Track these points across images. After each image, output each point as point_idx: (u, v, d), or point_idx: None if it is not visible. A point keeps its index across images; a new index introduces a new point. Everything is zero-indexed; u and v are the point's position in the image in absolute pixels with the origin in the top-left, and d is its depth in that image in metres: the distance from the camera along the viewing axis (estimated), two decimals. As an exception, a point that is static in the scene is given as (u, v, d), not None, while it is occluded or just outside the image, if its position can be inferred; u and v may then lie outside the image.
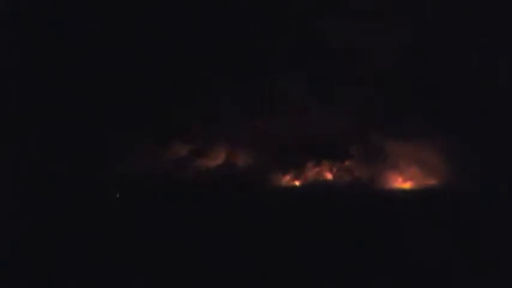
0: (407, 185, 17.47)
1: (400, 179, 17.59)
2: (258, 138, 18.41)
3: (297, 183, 18.09)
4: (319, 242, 12.60)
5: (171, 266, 11.64)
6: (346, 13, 18.22)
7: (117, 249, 12.50)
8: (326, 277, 11.04)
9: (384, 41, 17.77)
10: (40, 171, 17.06)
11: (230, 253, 12.13)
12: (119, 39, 18.76)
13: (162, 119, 18.94)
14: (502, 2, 17.21)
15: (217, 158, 18.92)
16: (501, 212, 13.63)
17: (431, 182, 17.27)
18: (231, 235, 13.13)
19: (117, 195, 16.83)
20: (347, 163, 18.16)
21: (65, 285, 11.10)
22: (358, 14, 18.15)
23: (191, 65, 18.90)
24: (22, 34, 18.39)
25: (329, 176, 18.19)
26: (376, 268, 11.33)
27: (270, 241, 12.71)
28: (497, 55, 17.24)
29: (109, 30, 18.62)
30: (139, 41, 18.76)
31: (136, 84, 18.72)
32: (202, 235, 13.16)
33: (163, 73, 18.87)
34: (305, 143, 18.25)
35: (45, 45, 18.62)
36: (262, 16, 18.64)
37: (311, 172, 18.16)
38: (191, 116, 18.88)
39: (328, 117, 17.93)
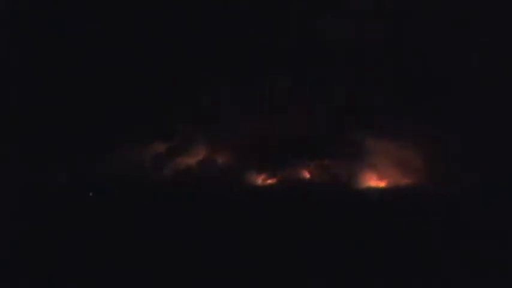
0: (382, 184, 17.51)
1: (375, 177, 17.64)
2: (236, 137, 18.44)
3: (275, 181, 18.09)
4: (297, 240, 12.65)
5: (157, 265, 11.71)
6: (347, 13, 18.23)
7: (102, 248, 12.54)
8: (306, 276, 11.11)
9: (379, 40, 17.83)
10: (33, 170, 17.09)
11: (210, 251, 12.18)
12: (119, 39, 18.75)
13: (144, 118, 18.95)
14: (502, 2, 17.19)
15: (196, 156, 18.95)
16: (478, 213, 13.68)
17: (406, 181, 17.32)
18: (211, 234, 13.17)
19: (90, 194, 16.87)
20: (325, 161, 18.16)
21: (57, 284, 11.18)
22: (358, 14, 18.16)
23: (175, 65, 18.92)
24: (22, 34, 18.40)
25: (307, 174, 18.22)
26: (354, 266, 11.41)
27: (249, 240, 12.75)
28: (496, 55, 17.23)
29: (109, 30, 18.62)
30: (137, 41, 18.77)
31: (130, 84, 18.73)
32: (183, 234, 13.19)
33: (147, 73, 18.89)
34: (284, 141, 18.26)
35: (45, 45, 18.62)
36: (252, 15, 18.63)
37: (289, 170, 18.17)
38: (172, 114, 18.90)
39: (307, 116, 17.99)
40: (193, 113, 18.97)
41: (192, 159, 18.96)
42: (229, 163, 18.67)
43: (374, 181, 17.61)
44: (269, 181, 18.16)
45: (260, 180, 18.19)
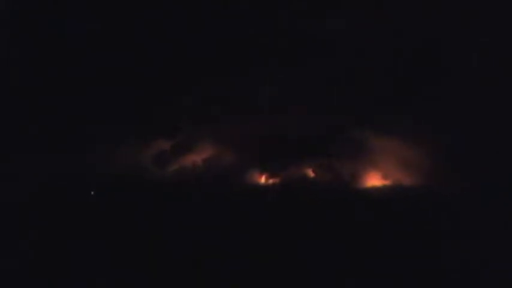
0: (386, 182, 17.51)
1: (379, 176, 17.63)
2: (240, 136, 18.47)
3: (279, 180, 18.09)
4: (299, 240, 12.65)
5: (157, 265, 11.72)
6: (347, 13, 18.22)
7: (103, 248, 12.57)
8: (307, 275, 11.11)
9: (377, 39, 17.84)
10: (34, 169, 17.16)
11: (212, 251, 12.19)
12: (119, 39, 18.78)
13: (148, 117, 18.99)
14: (502, 2, 17.16)
15: (198, 156, 18.97)
16: (479, 213, 13.68)
17: (410, 180, 17.31)
18: (212, 234, 13.18)
19: (92, 193, 16.90)
20: (328, 160, 18.13)
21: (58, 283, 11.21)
22: (358, 14, 18.15)
23: (178, 64, 18.95)
24: (22, 34, 18.45)
25: (310, 173, 18.20)
26: (358, 265, 11.42)
27: (251, 239, 12.76)
28: (497, 55, 17.20)
29: (109, 30, 18.66)
30: (137, 41, 18.81)
31: (129, 83, 18.78)
32: (184, 234, 13.21)
33: (151, 72, 18.93)
34: (287, 140, 18.28)
35: (45, 45, 18.67)
36: (250, 16, 18.64)
37: (292, 170, 18.17)
38: (175, 113, 18.94)
39: (311, 115, 18.00)
40: (195, 112, 19.00)
41: (193, 158, 18.99)
42: (232, 162, 18.68)
43: (378, 180, 17.62)
44: (271, 180, 18.17)
45: (263, 179, 18.21)
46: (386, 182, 17.50)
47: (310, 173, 18.09)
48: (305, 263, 11.67)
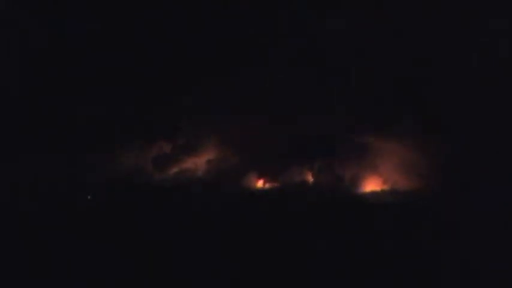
0: (385, 187, 17.48)
1: (379, 181, 17.60)
2: (239, 137, 18.45)
3: (276, 185, 18.05)
4: (300, 240, 12.67)
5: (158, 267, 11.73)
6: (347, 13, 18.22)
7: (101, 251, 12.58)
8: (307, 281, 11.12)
9: (380, 41, 17.84)
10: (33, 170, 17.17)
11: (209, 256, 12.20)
12: (119, 39, 18.79)
13: (148, 117, 18.99)
14: (502, 2, 17.16)
15: (200, 156, 18.96)
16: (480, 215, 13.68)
17: (408, 184, 17.29)
18: (213, 234, 13.20)
19: (89, 197, 16.88)
20: (328, 160, 18.08)
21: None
22: (358, 14, 18.16)
23: (178, 64, 18.96)
24: (22, 34, 18.47)
25: (310, 176, 18.16)
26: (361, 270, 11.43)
27: (252, 239, 12.77)
28: (497, 55, 17.19)
29: (109, 30, 18.67)
30: (137, 41, 18.83)
31: (129, 83, 18.79)
32: (181, 238, 13.21)
33: (151, 72, 18.94)
34: (287, 141, 18.26)
35: (45, 45, 18.69)
36: (254, 15, 18.65)
37: (292, 171, 18.12)
38: (175, 114, 18.94)
39: (312, 115, 18.00)
40: (195, 112, 19.00)
41: (194, 159, 18.97)
42: (232, 163, 18.64)
43: (378, 181, 17.60)
44: (269, 184, 18.12)
45: (260, 183, 18.16)
46: (387, 183, 17.48)
47: (310, 175, 18.06)
48: (305, 263, 11.68)
